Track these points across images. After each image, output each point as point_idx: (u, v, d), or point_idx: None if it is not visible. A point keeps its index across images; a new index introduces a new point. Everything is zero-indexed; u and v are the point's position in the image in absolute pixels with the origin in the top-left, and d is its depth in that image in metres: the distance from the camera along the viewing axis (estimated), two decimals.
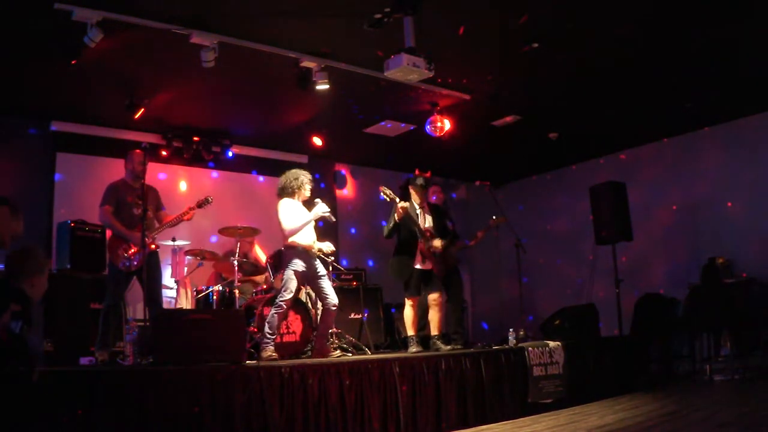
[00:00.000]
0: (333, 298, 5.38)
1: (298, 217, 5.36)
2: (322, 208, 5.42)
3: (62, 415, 3.30)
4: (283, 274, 5.39)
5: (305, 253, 5.35)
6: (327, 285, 5.44)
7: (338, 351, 5.58)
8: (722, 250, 7.70)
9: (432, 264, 5.82)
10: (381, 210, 8.68)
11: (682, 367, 7.56)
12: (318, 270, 5.43)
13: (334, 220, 5.67)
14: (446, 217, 6.35)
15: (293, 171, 5.53)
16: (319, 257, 5.56)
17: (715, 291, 7.14)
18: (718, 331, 7.08)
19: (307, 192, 5.50)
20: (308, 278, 5.44)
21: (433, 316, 5.86)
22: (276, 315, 5.22)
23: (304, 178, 5.48)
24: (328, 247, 5.61)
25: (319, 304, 6.41)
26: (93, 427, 3.35)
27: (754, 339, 6.90)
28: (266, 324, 5.23)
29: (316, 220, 5.51)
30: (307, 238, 5.41)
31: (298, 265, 5.29)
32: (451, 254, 6.30)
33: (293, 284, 5.28)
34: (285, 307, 5.26)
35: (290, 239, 5.34)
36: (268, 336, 5.18)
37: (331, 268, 6.88)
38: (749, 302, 6.99)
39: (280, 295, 5.28)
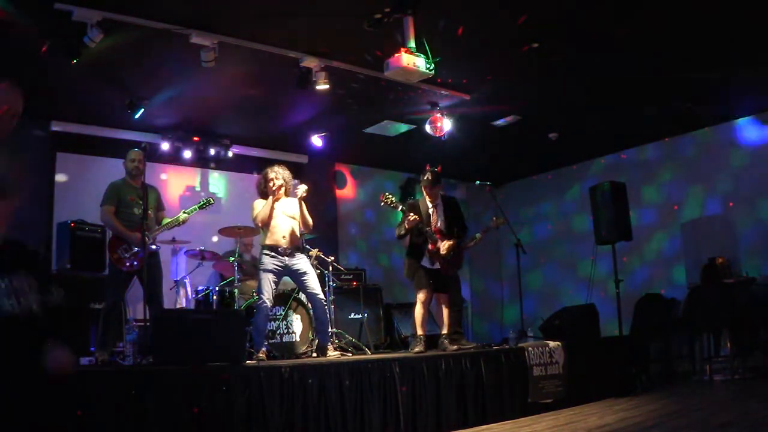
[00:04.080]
0: (317, 292, 5.32)
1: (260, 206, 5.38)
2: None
3: (62, 416, 3.30)
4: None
5: (274, 250, 5.29)
6: (311, 280, 5.35)
7: (337, 352, 5.55)
8: (722, 250, 7.71)
9: (440, 264, 5.72)
10: (381, 209, 8.69)
11: (682, 367, 7.56)
12: (296, 266, 5.33)
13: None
14: (459, 212, 6.09)
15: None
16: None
17: (715, 291, 7.14)
18: (718, 331, 7.08)
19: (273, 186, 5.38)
20: (287, 276, 5.40)
21: (442, 315, 5.84)
22: (258, 319, 5.18)
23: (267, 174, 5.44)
24: (301, 188, 5.40)
25: None
26: (93, 427, 3.35)
27: (754, 339, 6.90)
28: (251, 329, 5.18)
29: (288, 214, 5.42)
30: (275, 234, 5.33)
31: (267, 264, 5.25)
32: (459, 255, 5.98)
33: (266, 285, 5.21)
34: (264, 310, 5.20)
35: (261, 241, 5.35)
36: (256, 340, 5.16)
37: (331, 268, 6.89)
38: (749, 302, 6.98)
39: (257, 298, 5.28)
